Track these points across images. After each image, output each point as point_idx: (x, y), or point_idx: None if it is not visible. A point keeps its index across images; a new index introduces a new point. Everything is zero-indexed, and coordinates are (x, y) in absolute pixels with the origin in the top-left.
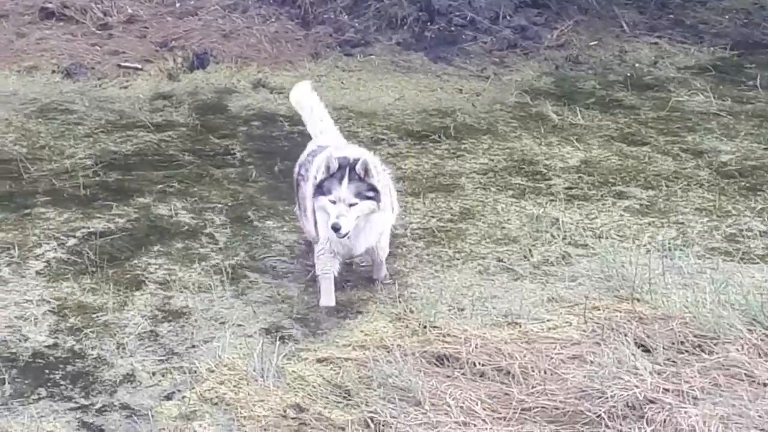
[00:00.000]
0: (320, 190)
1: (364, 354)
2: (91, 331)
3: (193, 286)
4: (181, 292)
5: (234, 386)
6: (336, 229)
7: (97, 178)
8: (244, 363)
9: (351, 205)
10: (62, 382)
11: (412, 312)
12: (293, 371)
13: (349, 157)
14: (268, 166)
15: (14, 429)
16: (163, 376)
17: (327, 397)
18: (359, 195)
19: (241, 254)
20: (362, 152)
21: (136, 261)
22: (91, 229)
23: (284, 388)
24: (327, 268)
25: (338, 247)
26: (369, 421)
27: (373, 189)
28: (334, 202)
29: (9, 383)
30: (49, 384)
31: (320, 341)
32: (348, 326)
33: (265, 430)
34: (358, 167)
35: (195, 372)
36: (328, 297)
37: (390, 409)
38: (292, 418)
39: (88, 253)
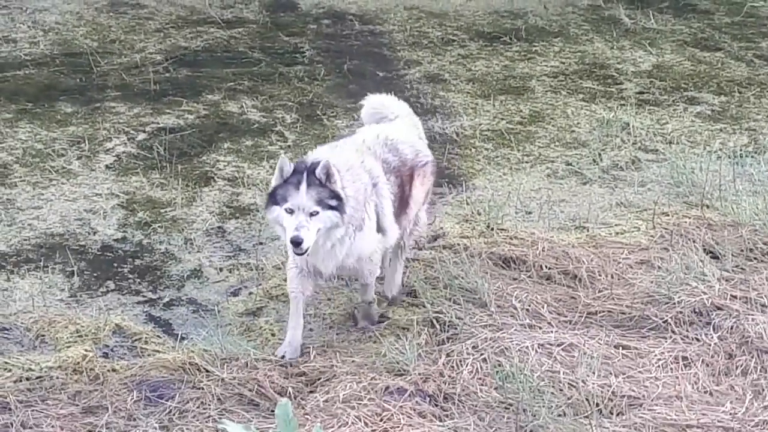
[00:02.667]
0: (273, 198)
1: (430, 254)
2: (159, 226)
3: (261, 183)
4: (250, 189)
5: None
6: (297, 242)
7: (167, 74)
8: None
9: (312, 214)
10: (130, 276)
11: (479, 214)
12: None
13: (307, 161)
14: (338, 65)
15: (83, 321)
16: (230, 272)
17: None
18: (321, 203)
19: (310, 153)
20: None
21: (205, 157)
22: (161, 125)
23: (351, 287)
24: (294, 286)
25: (303, 262)
26: (434, 321)
27: (337, 197)
28: (291, 212)
29: (78, 275)
30: (117, 277)
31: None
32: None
33: (330, 327)
34: (319, 171)
35: (262, 269)
36: (292, 333)
37: (455, 310)
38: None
39: (157, 148)
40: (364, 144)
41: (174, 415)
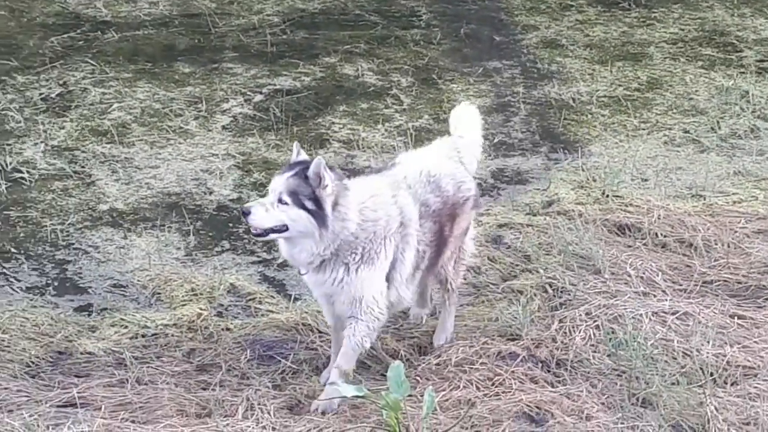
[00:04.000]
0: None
1: (544, 220)
2: None
3: (376, 146)
4: (364, 151)
5: None
6: (244, 213)
7: (284, 36)
8: None
9: (280, 201)
10: (245, 236)
11: (594, 180)
12: (473, 236)
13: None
14: (454, 29)
15: (198, 279)
16: None
17: (505, 261)
18: (294, 196)
19: (425, 116)
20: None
21: (320, 120)
22: (278, 86)
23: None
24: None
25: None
26: (547, 286)
27: (316, 202)
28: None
29: (194, 235)
30: (232, 237)
31: (502, 206)
32: (530, 193)
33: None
34: (312, 168)
35: None
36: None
37: (569, 276)
38: (471, 284)
39: (273, 109)
40: (405, 181)
41: (287, 374)
